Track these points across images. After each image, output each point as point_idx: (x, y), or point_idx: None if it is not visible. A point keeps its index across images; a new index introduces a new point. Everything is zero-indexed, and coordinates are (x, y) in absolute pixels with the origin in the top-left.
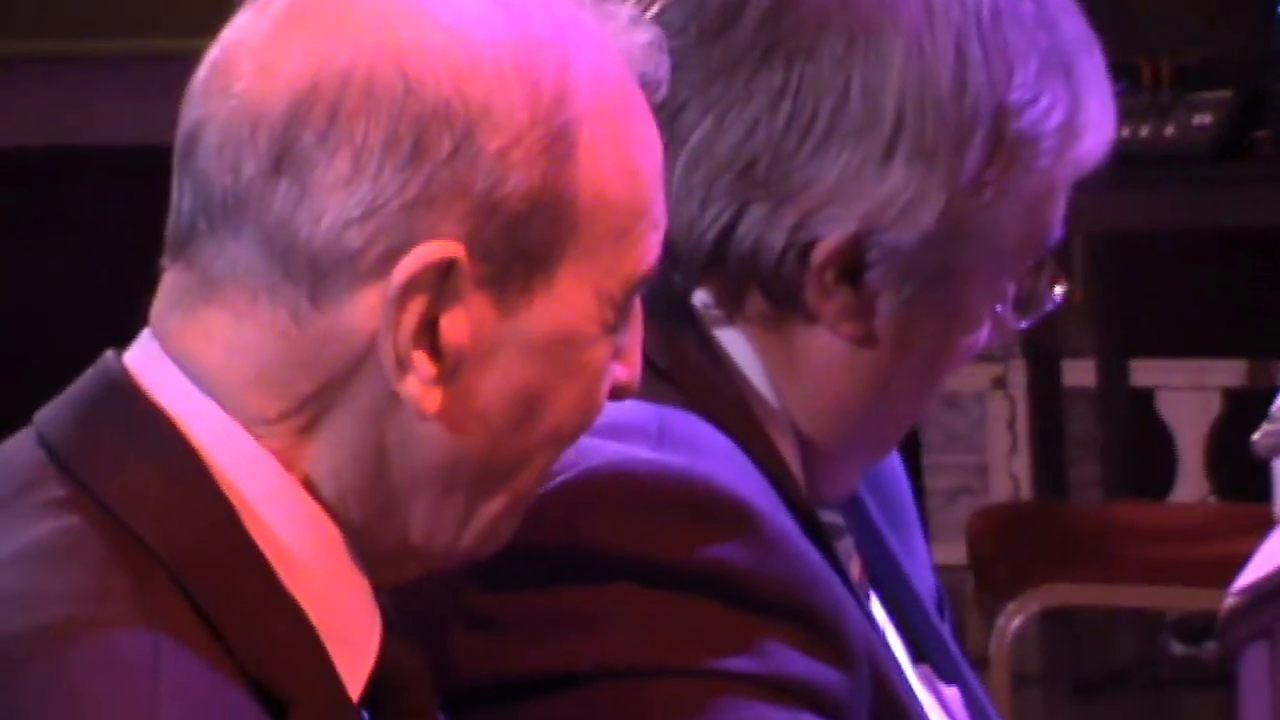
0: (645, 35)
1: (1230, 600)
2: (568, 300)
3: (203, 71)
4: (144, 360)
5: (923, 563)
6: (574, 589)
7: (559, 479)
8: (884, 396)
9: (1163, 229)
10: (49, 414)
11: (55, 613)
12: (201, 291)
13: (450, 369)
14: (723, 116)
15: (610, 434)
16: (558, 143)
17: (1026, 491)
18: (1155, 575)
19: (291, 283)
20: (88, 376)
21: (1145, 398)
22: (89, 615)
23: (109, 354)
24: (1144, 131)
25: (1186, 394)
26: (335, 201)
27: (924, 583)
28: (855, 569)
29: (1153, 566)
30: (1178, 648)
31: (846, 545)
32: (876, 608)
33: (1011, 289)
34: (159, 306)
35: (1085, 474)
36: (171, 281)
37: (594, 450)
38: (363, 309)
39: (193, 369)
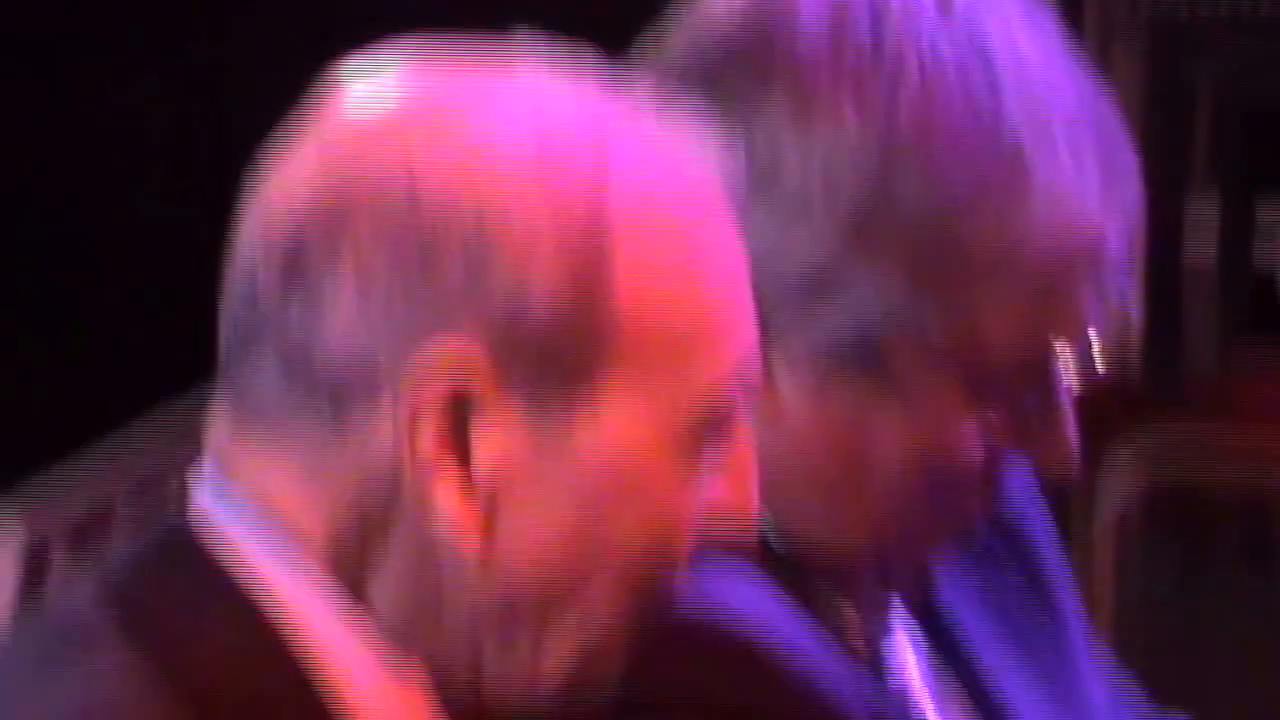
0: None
1: None
2: (615, 421)
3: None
4: (212, 498)
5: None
6: None
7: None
8: (855, 470)
9: None
10: (116, 574)
11: None
12: (245, 418)
13: (485, 502)
14: None
15: None
16: (588, 258)
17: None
18: None
19: (314, 410)
20: (156, 533)
21: None
22: None
23: (174, 515)
24: None
25: None
26: (342, 323)
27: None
28: (907, 665)
29: None
30: None
31: (893, 643)
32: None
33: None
34: (215, 434)
35: None
36: (222, 408)
37: None
38: (383, 435)
39: (256, 501)
